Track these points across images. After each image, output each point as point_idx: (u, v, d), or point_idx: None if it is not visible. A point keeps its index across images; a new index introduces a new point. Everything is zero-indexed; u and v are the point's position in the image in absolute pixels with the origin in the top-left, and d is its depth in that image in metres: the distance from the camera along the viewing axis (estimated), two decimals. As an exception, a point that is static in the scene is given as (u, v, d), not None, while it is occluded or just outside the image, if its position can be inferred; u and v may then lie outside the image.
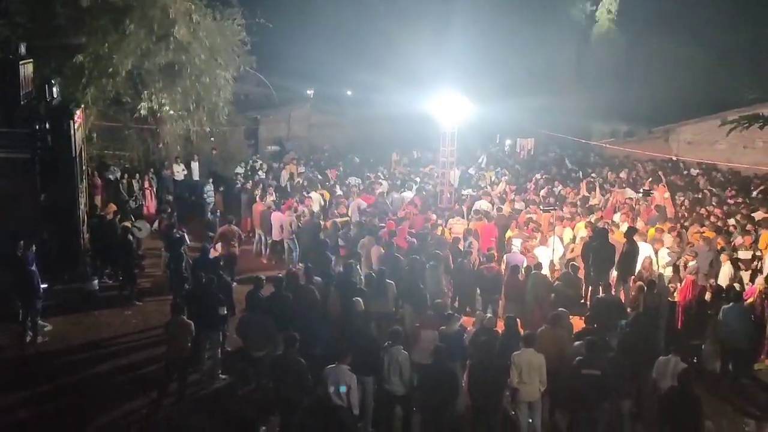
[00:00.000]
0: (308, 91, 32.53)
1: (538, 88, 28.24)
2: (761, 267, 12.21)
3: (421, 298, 10.88)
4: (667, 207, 16.85)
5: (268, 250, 16.13)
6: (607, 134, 33.11)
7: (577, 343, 8.95)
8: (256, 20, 20.01)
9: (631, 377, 8.50)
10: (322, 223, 15.19)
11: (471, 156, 26.06)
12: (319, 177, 20.87)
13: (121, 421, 8.84)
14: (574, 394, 8.31)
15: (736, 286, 11.19)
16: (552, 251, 13.21)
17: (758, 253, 12.45)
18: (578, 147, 28.40)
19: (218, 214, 15.84)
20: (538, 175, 22.22)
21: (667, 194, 17.69)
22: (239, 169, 21.29)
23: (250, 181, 19.08)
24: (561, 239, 14.04)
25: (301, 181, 19.98)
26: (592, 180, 20.80)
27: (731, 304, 10.21)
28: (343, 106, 31.66)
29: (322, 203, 17.35)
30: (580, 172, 23.30)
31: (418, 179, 21.09)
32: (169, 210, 15.92)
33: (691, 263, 11.98)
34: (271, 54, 23.65)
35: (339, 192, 18.63)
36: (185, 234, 13.33)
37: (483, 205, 16.70)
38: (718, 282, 11.58)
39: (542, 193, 19.39)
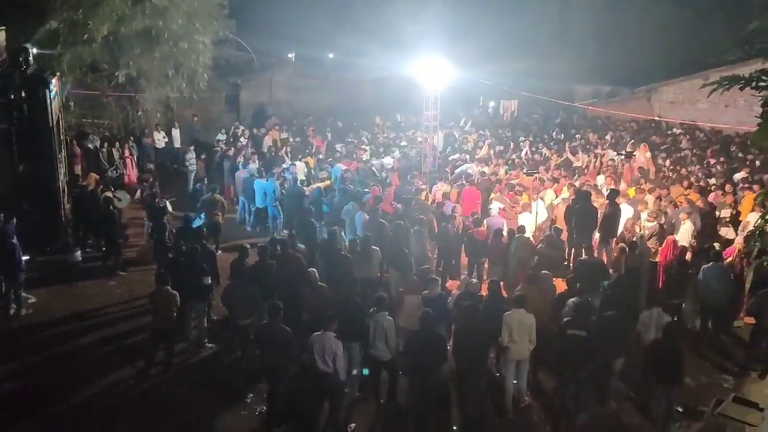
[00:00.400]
0: (289, 55, 32.03)
1: (520, 51, 28.05)
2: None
3: (406, 264, 10.90)
4: (649, 168, 16.91)
5: (252, 217, 16.03)
6: (590, 95, 33.04)
7: (570, 300, 9.01)
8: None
9: (620, 336, 8.64)
10: (306, 189, 15.12)
11: (455, 119, 25.95)
12: (309, 144, 20.65)
13: (109, 391, 8.83)
14: (560, 354, 8.43)
15: (716, 245, 11.32)
16: (535, 215, 13.21)
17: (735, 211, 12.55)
18: (561, 108, 28.32)
19: (205, 182, 15.63)
20: (521, 138, 22.16)
21: (648, 154, 17.74)
22: (221, 136, 21.00)
23: (233, 148, 18.85)
24: (543, 201, 14.06)
25: (285, 149, 19.77)
26: (575, 142, 20.79)
27: (711, 263, 10.32)
28: (326, 69, 31.24)
29: (306, 171, 17.17)
30: (563, 134, 23.26)
31: (403, 144, 20.95)
32: (151, 179, 15.71)
33: (650, 223, 12.10)
34: (250, 17, 23.24)
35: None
36: (168, 203, 13.17)
37: (472, 169, 16.68)
38: (679, 240, 11.69)
39: (524, 155, 19.36)
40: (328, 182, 15.66)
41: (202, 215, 13.53)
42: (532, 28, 32.15)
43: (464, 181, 15.29)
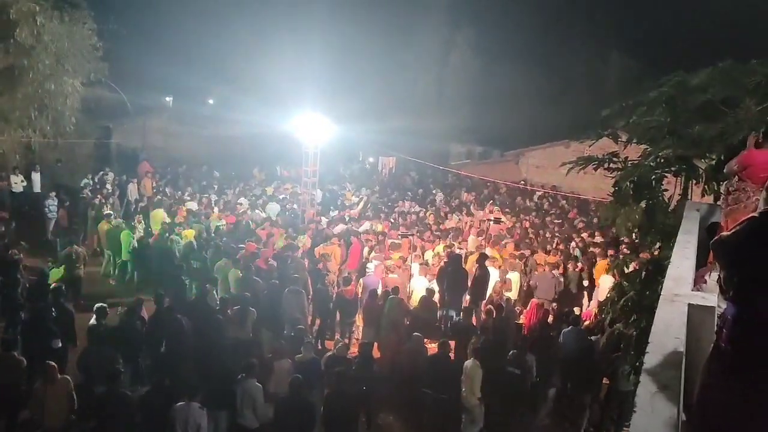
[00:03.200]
0: (167, 98, 31.26)
1: (398, 109, 28.97)
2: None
3: (278, 325, 10.73)
4: (513, 229, 17.82)
5: (117, 271, 15.19)
6: (464, 155, 34.65)
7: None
8: (108, 26, 18.91)
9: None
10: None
11: (335, 174, 26.23)
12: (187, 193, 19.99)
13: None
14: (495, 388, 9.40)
15: (576, 310, 12.05)
16: (412, 277, 13.47)
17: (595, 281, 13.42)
18: (436, 168, 29.35)
19: (65, 232, 14.64)
20: (400, 201, 22.53)
21: (504, 219, 18.73)
22: (86, 182, 19.86)
23: (98, 196, 17.91)
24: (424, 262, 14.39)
25: (159, 198, 19.07)
26: (447, 203, 21.58)
27: (570, 327, 10.93)
28: (204, 118, 30.63)
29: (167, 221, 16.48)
30: (439, 194, 24.07)
31: (282, 197, 20.80)
32: (2, 228, 14.54)
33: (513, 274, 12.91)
34: (126, 62, 22.48)
35: (194, 206, 17.91)
36: (21, 256, 12.22)
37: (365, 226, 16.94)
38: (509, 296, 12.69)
39: (404, 218, 19.60)
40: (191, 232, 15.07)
41: (61, 269, 12.68)
42: (409, 86, 33.43)
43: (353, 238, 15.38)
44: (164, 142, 28.10)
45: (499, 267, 13.66)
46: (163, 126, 28.67)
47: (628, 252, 12.84)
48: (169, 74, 27.55)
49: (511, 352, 9.71)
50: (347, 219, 18.13)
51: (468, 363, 9.39)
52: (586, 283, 13.46)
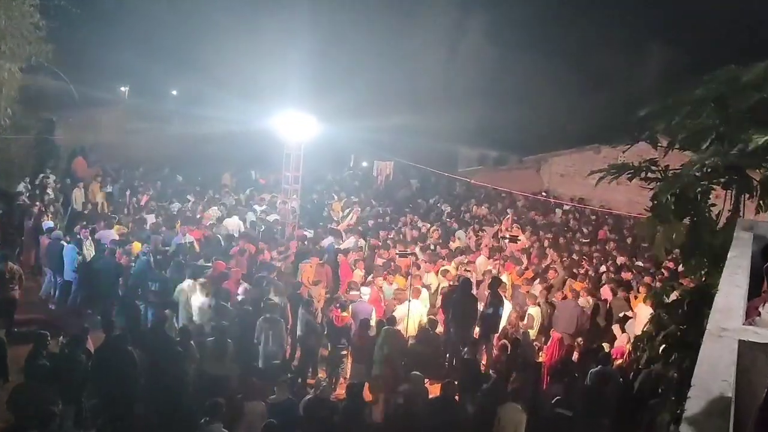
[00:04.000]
0: (122, 88, 31.36)
1: (398, 106, 28.96)
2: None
3: (251, 359, 10.73)
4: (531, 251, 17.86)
5: (58, 292, 15.14)
6: (475, 160, 34.64)
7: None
8: (54, 1, 18.93)
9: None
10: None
11: (322, 181, 26.29)
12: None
13: None
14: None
15: (605, 346, 12.02)
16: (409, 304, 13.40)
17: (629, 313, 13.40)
18: (442, 175, 29.32)
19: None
20: (404, 216, 22.55)
21: (522, 237, 18.78)
22: (22, 187, 19.81)
23: (38, 203, 17.86)
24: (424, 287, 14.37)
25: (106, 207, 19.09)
26: (454, 217, 21.64)
27: (599, 366, 10.90)
28: (167, 112, 30.65)
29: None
30: (445, 206, 24.11)
31: (257, 207, 20.77)
32: None
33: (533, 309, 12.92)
34: (74, 44, 22.51)
35: (151, 220, 17.88)
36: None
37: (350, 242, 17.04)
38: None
39: (403, 234, 19.56)
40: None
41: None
42: (411, 79, 33.43)
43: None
44: (118, 139, 28.13)
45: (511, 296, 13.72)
46: (117, 121, 28.73)
47: (668, 278, 12.86)
48: (125, 60, 27.65)
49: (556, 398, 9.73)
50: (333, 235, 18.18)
51: (506, 407, 9.37)
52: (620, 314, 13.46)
